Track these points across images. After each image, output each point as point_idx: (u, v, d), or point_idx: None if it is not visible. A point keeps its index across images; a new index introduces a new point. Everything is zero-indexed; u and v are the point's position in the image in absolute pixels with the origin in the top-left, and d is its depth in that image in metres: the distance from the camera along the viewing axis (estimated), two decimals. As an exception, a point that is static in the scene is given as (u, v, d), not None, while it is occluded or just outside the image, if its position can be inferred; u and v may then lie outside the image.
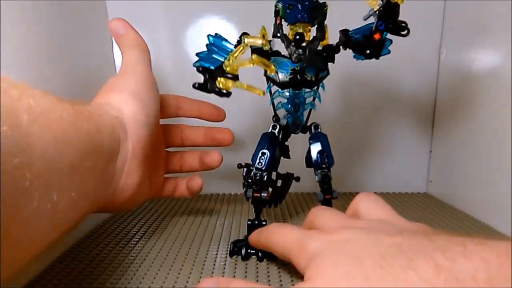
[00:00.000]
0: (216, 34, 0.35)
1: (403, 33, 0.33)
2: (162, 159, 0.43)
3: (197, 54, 0.36)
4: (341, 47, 0.35)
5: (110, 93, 0.34)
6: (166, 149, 0.44)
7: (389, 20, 0.33)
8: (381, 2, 0.32)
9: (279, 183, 0.41)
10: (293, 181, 0.42)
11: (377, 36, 0.33)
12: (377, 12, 0.33)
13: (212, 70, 0.33)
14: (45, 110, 0.22)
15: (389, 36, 0.34)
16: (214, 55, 0.34)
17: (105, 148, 0.29)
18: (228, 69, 0.32)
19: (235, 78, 0.32)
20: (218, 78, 0.32)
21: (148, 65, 0.37)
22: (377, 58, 0.34)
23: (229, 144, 0.44)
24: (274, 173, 0.40)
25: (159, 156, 0.42)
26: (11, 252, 0.20)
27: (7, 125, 0.19)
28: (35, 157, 0.20)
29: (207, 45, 0.36)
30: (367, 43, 0.34)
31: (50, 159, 0.22)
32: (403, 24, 0.33)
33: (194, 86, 0.33)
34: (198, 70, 0.33)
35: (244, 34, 0.35)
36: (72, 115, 0.25)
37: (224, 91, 0.32)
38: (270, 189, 0.39)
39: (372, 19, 0.33)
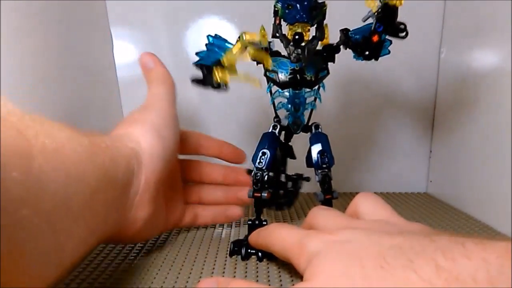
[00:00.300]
0: (215, 34, 0.35)
1: (401, 35, 0.33)
2: (180, 191, 0.42)
3: (197, 54, 0.36)
4: (341, 46, 0.35)
5: (130, 125, 0.34)
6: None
7: (388, 22, 0.33)
8: (380, 3, 0.32)
9: (289, 184, 0.41)
10: (304, 181, 0.42)
11: (375, 38, 0.33)
12: (375, 13, 0.32)
13: (210, 65, 0.33)
14: (59, 148, 0.22)
15: (388, 36, 0.34)
16: (213, 54, 0.34)
17: (119, 180, 0.29)
18: (225, 63, 0.32)
19: (232, 70, 0.32)
20: (214, 69, 0.32)
21: (171, 102, 0.37)
22: (376, 59, 0.34)
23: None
24: (283, 175, 0.40)
25: (176, 188, 0.41)
26: None
27: (19, 171, 0.18)
28: (45, 200, 0.20)
29: (206, 45, 0.36)
30: (366, 44, 0.34)
31: (60, 199, 0.21)
32: (402, 26, 0.33)
33: (192, 80, 0.33)
34: (196, 66, 0.33)
35: (244, 33, 0.35)
36: (88, 148, 0.25)
37: (221, 84, 0.32)
38: (281, 192, 0.39)
39: (371, 20, 0.33)
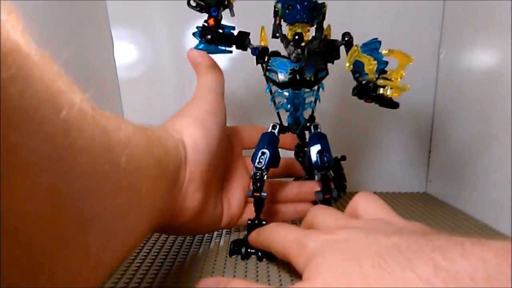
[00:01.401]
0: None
1: (393, 105, 0.35)
2: (242, 186, 0.42)
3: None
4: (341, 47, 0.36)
5: (177, 118, 0.35)
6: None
7: (382, 102, 0.34)
8: (377, 76, 0.33)
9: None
10: (341, 161, 0.41)
11: (368, 101, 0.35)
12: (371, 85, 0.33)
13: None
14: (130, 142, 0.24)
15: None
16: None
17: (171, 170, 0.30)
18: None
19: None
20: None
21: (218, 92, 0.38)
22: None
23: None
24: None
25: (237, 184, 0.41)
26: (95, 256, 0.21)
27: (108, 163, 0.20)
28: (124, 189, 0.22)
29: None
30: (362, 90, 0.34)
31: (131, 187, 0.23)
32: (394, 104, 0.34)
33: (188, 3, 0.34)
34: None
35: (243, 32, 0.35)
36: (146, 140, 0.27)
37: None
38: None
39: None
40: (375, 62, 0.33)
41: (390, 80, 0.33)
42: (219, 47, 0.37)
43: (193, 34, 0.37)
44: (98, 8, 0.51)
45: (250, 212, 0.40)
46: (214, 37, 0.35)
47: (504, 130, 0.41)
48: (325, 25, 0.34)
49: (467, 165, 0.49)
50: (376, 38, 0.34)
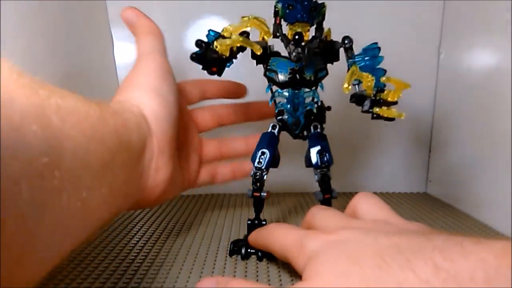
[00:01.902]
0: (209, 32, 0.35)
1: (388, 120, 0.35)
2: (194, 147, 0.41)
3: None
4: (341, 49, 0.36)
5: (128, 89, 0.34)
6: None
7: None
8: (375, 92, 0.33)
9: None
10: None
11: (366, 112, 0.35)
12: (367, 103, 0.34)
13: (209, 43, 0.33)
14: (73, 109, 0.23)
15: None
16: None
17: (133, 144, 0.29)
18: (225, 34, 0.33)
19: (233, 40, 0.32)
20: (215, 42, 0.32)
21: (162, 53, 0.37)
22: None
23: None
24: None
25: (190, 145, 0.41)
26: (41, 252, 0.20)
27: (37, 124, 0.19)
28: (65, 156, 0.20)
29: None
30: (360, 99, 0.35)
31: (80, 157, 0.22)
32: (390, 119, 0.34)
33: (191, 57, 0.33)
34: (196, 45, 0.33)
35: (244, 32, 0.35)
36: (98, 112, 0.25)
37: (223, 56, 0.32)
38: None
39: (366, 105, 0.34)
40: (373, 78, 0.33)
41: (385, 101, 0.33)
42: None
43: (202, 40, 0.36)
44: (98, 8, 0.51)
45: (205, 171, 0.41)
46: (220, 71, 0.35)
47: (504, 130, 0.41)
48: (325, 26, 0.34)
49: (467, 165, 0.49)
50: (376, 43, 0.34)
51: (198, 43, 0.33)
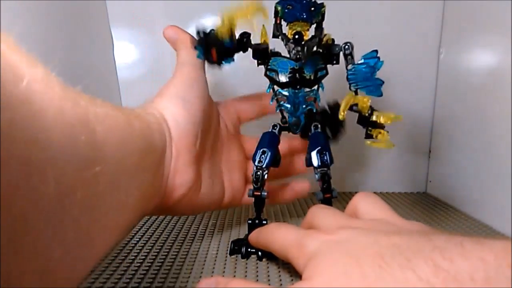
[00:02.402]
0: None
1: None
2: (239, 166, 0.41)
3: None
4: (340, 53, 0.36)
5: (155, 98, 0.35)
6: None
7: None
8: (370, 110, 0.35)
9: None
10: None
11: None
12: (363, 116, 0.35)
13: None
14: (107, 115, 0.23)
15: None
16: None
17: (157, 145, 0.30)
18: (225, 20, 0.33)
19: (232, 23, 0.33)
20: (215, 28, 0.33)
21: (195, 64, 0.37)
22: None
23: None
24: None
25: (233, 162, 0.41)
26: (88, 252, 0.21)
27: (85, 134, 0.20)
28: (107, 160, 0.22)
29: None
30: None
31: (118, 160, 0.23)
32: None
33: (194, 46, 0.34)
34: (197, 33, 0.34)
35: (245, 33, 0.35)
36: (126, 116, 0.26)
37: (225, 42, 0.33)
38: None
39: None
40: (369, 99, 0.34)
41: (379, 131, 0.36)
42: (223, 62, 0.37)
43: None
44: (98, 7, 0.51)
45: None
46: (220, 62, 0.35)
47: (504, 129, 0.41)
48: (325, 27, 0.35)
49: (467, 165, 0.49)
50: (376, 51, 0.34)
51: (197, 31, 0.33)
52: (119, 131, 0.24)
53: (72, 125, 0.19)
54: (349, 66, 0.35)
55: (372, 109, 0.34)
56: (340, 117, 0.34)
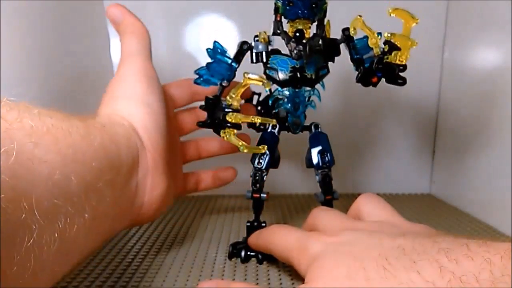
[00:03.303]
0: (214, 44, 0.34)
1: (400, 82, 0.33)
2: (178, 154, 0.40)
3: (196, 72, 0.35)
4: (342, 44, 0.35)
5: (115, 100, 0.32)
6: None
7: (387, 74, 0.33)
8: (383, 47, 0.32)
9: None
10: None
11: (374, 80, 0.34)
12: (377, 58, 0.32)
13: (215, 109, 0.32)
14: (50, 129, 0.21)
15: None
16: (213, 77, 0.34)
17: (123, 160, 0.27)
18: (233, 105, 0.32)
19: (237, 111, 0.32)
20: (227, 116, 0.32)
21: (146, 56, 0.34)
22: (375, 86, 0.34)
23: None
24: None
25: (175, 151, 0.39)
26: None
27: (3, 154, 0.17)
28: (37, 184, 0.19)
29: (207, 63, 0.34)
30: (366, 77, 0.34)
31: (55, 183, 0.20)
32: (401, 78, 0.33)
33: (198, 124, 0.33)
34: (202, 108, 0.33)
35: (244, 42, 0.35)
36: (82, 129, 0.24)
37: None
38: None
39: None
40: (379, 36, 0.32)
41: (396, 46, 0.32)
42: None
43: (207, 50, 0.35)
44: (96, 8, 0.51)
45: (191, 179, 0.41)
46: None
47: (509, 130, 0.41)
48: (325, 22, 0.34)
49: (472, 166, 0.48)
50: (380, 33, 0.33)
51: (208, 102, 0.32)
52: (65, 147, 0.21)
53: None
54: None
55: (384, 53, 0.32)
56: (351, 33, 0.33)
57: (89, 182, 0.23)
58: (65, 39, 0.43)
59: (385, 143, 0.58)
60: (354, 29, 0.33)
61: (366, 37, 0.33)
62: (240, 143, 0.32)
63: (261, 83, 0.32)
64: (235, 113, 0.32)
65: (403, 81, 0.33)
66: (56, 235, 0.20)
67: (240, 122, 0.32)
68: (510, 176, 0.41)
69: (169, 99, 0.38)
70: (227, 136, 0.32)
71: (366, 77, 0.34)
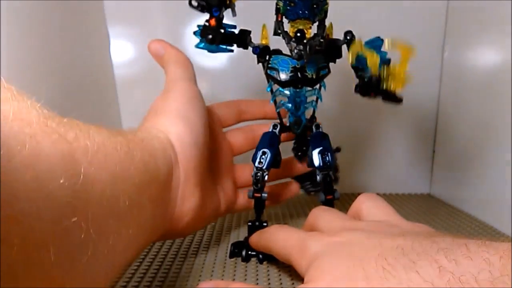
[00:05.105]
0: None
1: (397, 102, 0.34)
2: (229, 172, 0.40)
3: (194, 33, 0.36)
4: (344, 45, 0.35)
5: (156, 116, 0.33)
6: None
7: (384, 95, 0.34)
8: (380, 68, 0.33)
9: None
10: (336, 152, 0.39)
11: (372, 95, 0.34)
12: (374, 80, 0.33)
13: None
14: (101, 147, 0.21)
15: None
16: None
17: (161, 174, 0.28)
18: None
19: None
20: None
21: (190, 79, 0.36)
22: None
23: None
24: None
25: (224, 169, 0.40)
26: None
27: (66, 176, 0.17)
28: (92, 203, 0.19)
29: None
30: (365, 86, 0.34)
31: (107, 201, 0.21)
32: (398, 99, 0.34)
33: (190, 2, 0.33)
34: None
35: (244, 31, 0.35)
36: (125, 145, 0.24)
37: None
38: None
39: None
40: (378, 56, 0.32)
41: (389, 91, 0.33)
42: (220, 46, 0.36)
43: (194, 33, 0.36)
44: (95, 5, 0.51)
45: (242, 196, 0.40)
46: (215, 37, 0.34)
47: (509, 130, 0.41)
48: (327, 23, 0.34)
49: (472, 166, 0.48)
50: (379, 37, 0.33)
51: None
52: (113, 164, 0.22)
53: (48, 169, 0.16)
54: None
55: (383, 65, 0.32)
56: (350, 62, 0.33)
57: (134, 199, 0.24)
58: (65, 39, 0.43)
59: (385, 143, 0.58)
60: (353, 58, 0.33)
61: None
62: None
63: None
64: None
65: (400, 101, 0.34)
66: (106, 251, 0.21)
67: None
68: (510, 176, 0.41)
69: (216, 118, 0.40)
70: None
71: (364, 91, 0.34)
